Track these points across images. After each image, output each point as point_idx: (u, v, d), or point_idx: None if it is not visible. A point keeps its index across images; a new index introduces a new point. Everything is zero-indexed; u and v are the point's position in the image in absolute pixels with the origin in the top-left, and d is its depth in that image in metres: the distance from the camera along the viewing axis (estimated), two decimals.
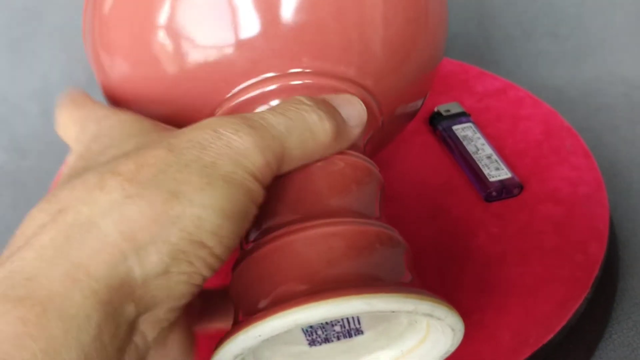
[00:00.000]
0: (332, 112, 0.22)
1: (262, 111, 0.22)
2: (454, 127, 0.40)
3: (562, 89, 0.52)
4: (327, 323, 0.22)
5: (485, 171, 0.37)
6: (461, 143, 0.39)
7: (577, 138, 0.41)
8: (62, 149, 0.47)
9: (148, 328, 0.19)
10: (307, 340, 0.23)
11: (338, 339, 0.23)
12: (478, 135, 0.40)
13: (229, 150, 0.19)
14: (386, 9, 0.24)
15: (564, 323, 0.30)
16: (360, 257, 0.21)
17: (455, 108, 0.42)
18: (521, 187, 0.37)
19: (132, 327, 0.18)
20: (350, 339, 0.23)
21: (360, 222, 0.22)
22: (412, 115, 0.31)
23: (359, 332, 0.23)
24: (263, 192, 0.20)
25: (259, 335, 0.19)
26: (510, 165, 0.38)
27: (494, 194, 0.36)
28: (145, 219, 0.17)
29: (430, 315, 0.20)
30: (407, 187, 0.38)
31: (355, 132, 0.23)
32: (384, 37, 0.25)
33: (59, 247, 0.17)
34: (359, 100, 0.24)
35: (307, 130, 0.21)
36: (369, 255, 0.21)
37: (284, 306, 0.19)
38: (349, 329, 0.23)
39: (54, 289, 0.16)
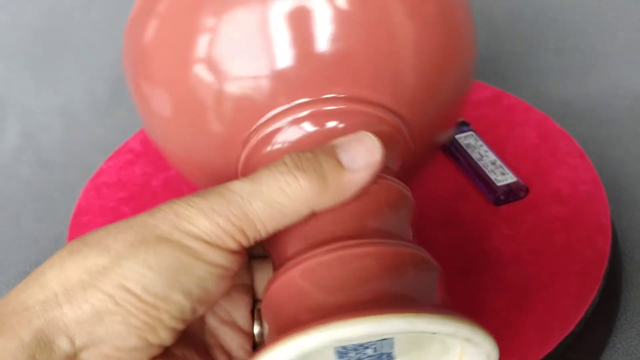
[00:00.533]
0: (315, 167, 0.23)
1: (234, 180, 0.23)
2: (457, 137, 0.43)
3: (567, 103, 0.53)
4: (360, 345, 0.22)
5: (492, 176, 0.39)
6: (465, 151, 0.41)
7: (570, 140, 0.43)
8: (85, 163, 0.49)
9: None
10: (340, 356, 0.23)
11: None
12: (480, 142, 0.42)
13: (173, 216, 0.22)
14: (417, 36, 0.26)
15: (582, 314, 0.33)
16: (394, 277, 0.22)
17: None
18: (527, 190, 0.39)
19: (71, 357, 0.21)
20: None
21: (393, 244, 0.23)
22: (442, 143, 0.32)
23: (390, 357, 0.23)
24: (218, 250, 0.22)
25: (298, 348, 0.19)
26: (512, 169, 0.41)
27: (502, 197, 0.39)
28: (79, 269, 0.22)
29: (468, 340, 0.20)
30: (420, 196, 0.40)
31: (360, 176, 0.23)
32: (415, 64, 0.26)
33: (17, 290, 0.22)
34: (371, 136, 0.24)
35: (277, 190, 0.23)
36: (402, 276, 0.22)
37: (326, 320, 0.19)
38: (381, 353, 0.23)
39: (1, 319, 0.21)
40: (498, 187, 0.39)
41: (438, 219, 0.38)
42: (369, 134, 0.24)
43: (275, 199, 0.22)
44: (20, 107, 0.56)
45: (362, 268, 0.22)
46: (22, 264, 0.44)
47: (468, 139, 0.42)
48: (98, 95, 0.57)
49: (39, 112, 0.56)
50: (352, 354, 0.22)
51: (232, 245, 0.23)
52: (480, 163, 0.40)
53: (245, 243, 0.23)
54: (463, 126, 0.43)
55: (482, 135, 0.44)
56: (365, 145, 0.24)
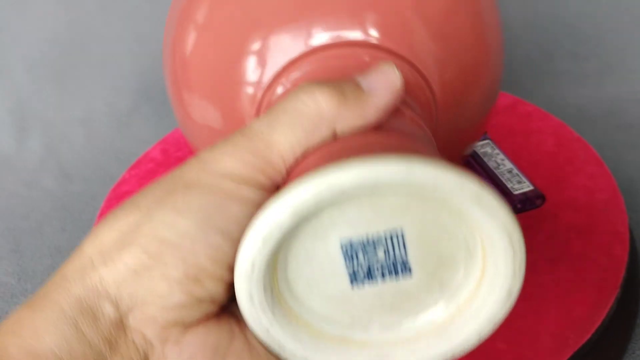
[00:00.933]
0: (333, 86, 0.22)
1: (253, 120, 0.23)
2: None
3: (583, 108, 0.54)
4: (368, 242, 0.20)
5: (509, 185, 0.40)
6: (482, 159, 0.42)
7: (589, 148, 0.43)
8: (106, 173, 0.50)
9: (144, 326, 0.21)
10: (348, 270, 0.21)
11: (383, 275, 0.21)
12: (497, 151, 0.42)
13: (199, 163, 0.22)
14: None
15: (599, 323, 0.33)
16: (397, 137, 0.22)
17: None
18: (543, 198, 0.39)
19: (118, 323, 0.20)
20: (397, 280, 0.21)
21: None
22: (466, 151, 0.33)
23: (406, 268, 0.21)
24: (249, 187, 0.21)
25: (290, 207, 0.18)
26: (529, 177, 0.41)
27: (518, 206, 0.39)
28: (112, 231, 0.21)
29: (477, 204, 0.19)
30: None
31: (379, 98, 0.22)
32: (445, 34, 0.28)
33: (60, 267, 0.22)
34: (390, 64, 0.23)
35: (296, 112, 0.22)
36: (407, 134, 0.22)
37: (316, 172, 0.18)
38: (394, 259, 0.21)
39: (42, 292, 0.21)
40: (514, 195, 0.39)
41: None
42: (388, 62, 0.23)
43: (295, 121, 0.21)
44: (42, 118, 0.57)
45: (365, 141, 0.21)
46: (45, 274, 0.45)
47: (485, 148, 0.43)
48: (118, 106, 0.58)
49: (60, 124, 0.57)
50: (360, 255, 0.21)
51: (263, 179, 0.21)
52: (496, 171, 0.41)
53: (275, 176, 0.22)
54: None
55: (498, 143, 0.44)
56: (384, 72, 0.23)
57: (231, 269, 0.21)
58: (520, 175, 0.40)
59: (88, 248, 0.21)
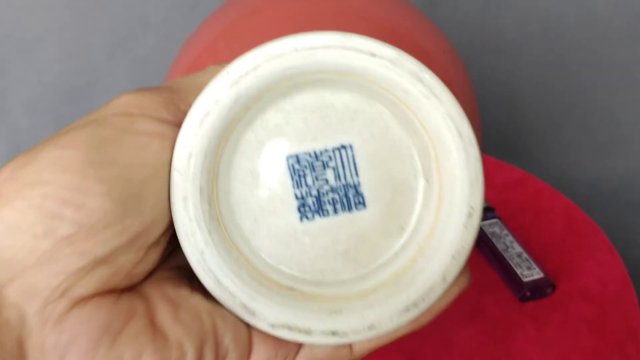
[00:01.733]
0: None
1: None
2: (482, 224, 0.42)
3: (592, 183, 0.53)
4: (317, 159, 0.19)
5: (518, 271, 0.38)
6: (490, 241, 0.41)
7: (599, 232, 0.42)
8: None
9: (24, 299, 0.17)
10: (296, 195, 0.19)
11: (335, 209, 0.19)
12: (506, 232, 0.41)
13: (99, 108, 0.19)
14: None
15: None
16: None
17: None
18: (554, 287, 0.38)
19: None
20: (351, 216, 0.19)
21: None
22: None
23: (359, 196, 0.19)
24: (148, 119, 0.18)
25: (229, 82, 0.18)
26: (538, 261, 0.40)
27: (528, 294, 0.37)
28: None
29: (419, 81, 0.18)
30: None
31: None
32: None
33: None
34: None
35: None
36: None
37: (256, 47, 0.18)
38: (346, 182, 0.19)
39: None
40: (524, 283, 0.38)
41: (463, 313, 0.37)
42: None
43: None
44: None
45: None
46: None
47: (493, 227, 0.42)
48: None
49: None
50: (309, 178, 0.19)
51: (165, 115, 0.18)
52: (505, 254, 0.39)
53: (182, 107, 0.19)
54: (488, 212, 0.43)
55: (507, 221, 0.43)
56: None
57: (138, 216, 0.17)
58: (530, 260, 0.39)
59: None
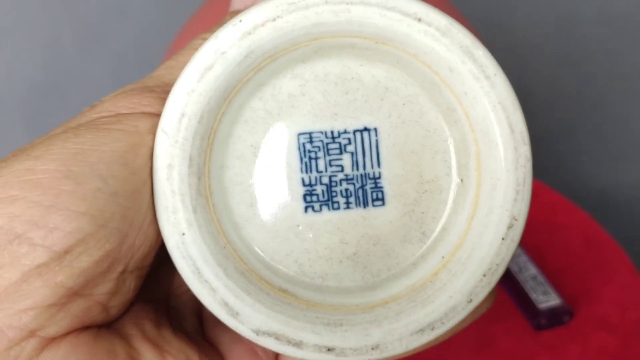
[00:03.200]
0: None
1: None
2: None
3: (606, 192, 0.50)
4: (333, 141, 0.16)
5: (533, 296, 0.35)
6: None
7: (620, 251, 0.39)
8: None
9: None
10: (303, 181, 0.16)
11: (346, 199, 0.16)
12: (519, 251, 0.38)
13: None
14: None
15: None
16: None
17: None
18: (571, 315, 0.35)
19: None
20: (365, 213, 0.16)
21: None
22: None
23: (377, 191, 0.16)
24: (125, 118, 0.16)
25: (238, 34, 0.15)
26: (555, 284, 0.37)
27: (543, 322, 0.35)
28: None
29: (467, 53, 0.15)
30: None
31: None
32: None
33: None
34: None
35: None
36: None
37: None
38: (364, 171, 0.16)
39: None
40: (540, 310, 0.35)
41: (471, 343, 0.34)
42: None
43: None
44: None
45: None
46: None
47: None
48: None
49: None
50: (320, 161, 0.16)
51: (161, 109, 0.16)
52: (519, 277, 0.36)
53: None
54: None
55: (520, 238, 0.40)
56: None
57: (122, 238, 0.14)
58: (545, 284, 0.36)
59: None
